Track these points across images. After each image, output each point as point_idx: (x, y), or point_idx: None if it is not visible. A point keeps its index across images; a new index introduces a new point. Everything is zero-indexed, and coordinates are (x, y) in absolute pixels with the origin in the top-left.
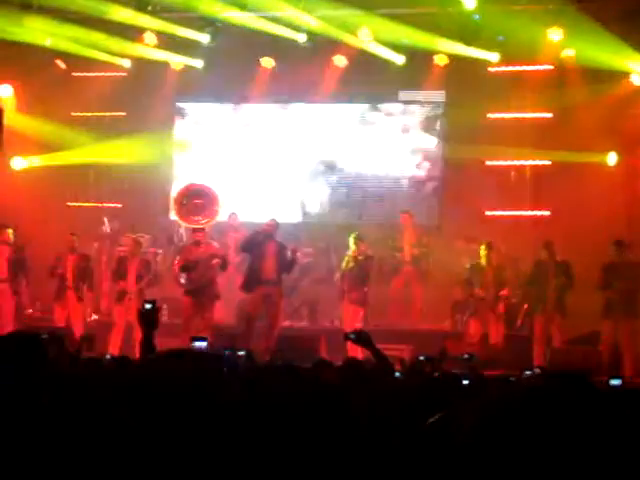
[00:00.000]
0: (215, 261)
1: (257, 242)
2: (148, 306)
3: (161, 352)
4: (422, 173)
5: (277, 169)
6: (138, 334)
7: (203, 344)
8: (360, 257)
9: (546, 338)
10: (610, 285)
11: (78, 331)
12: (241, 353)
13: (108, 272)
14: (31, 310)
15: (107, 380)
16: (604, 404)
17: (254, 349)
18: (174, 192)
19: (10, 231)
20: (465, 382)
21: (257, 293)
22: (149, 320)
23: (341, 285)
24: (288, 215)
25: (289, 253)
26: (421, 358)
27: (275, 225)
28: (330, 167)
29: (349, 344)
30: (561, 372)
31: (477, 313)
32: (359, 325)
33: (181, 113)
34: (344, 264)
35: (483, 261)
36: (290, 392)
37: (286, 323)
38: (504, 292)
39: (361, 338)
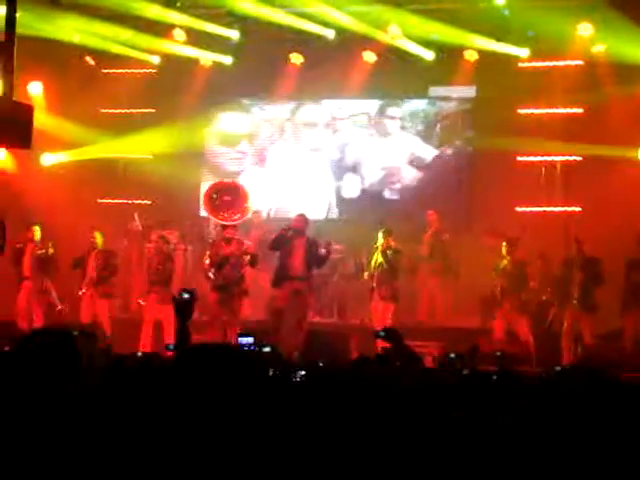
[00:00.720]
0: (247, 258)
1: (286, 239)
2: (186, 296)
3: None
4: (452, 169)
5: (307, 165)
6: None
7: (250, 339)
8: (389, 251)
9: (574, 334)
10: (631, 280)
11: (106, 327)
12: (266, 349)
13: (138, 268)
14: (60, 307)
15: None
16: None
17: (283, 345)
18: (204, 188)
19: (36, 228)
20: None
21: (286, 289)
22: (185, 309)
23: (370, 281)
24: (319, 211)
25: (321, 249)
26: (452, 355)
27: (304, 220)
28: (360, 163)
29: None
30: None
31: (501, 310)
32: (389, 321)
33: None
34: (372, 260)
35: (505, 258)
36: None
37: (316, 319)
38: (527, 289)
39: (391, 336)
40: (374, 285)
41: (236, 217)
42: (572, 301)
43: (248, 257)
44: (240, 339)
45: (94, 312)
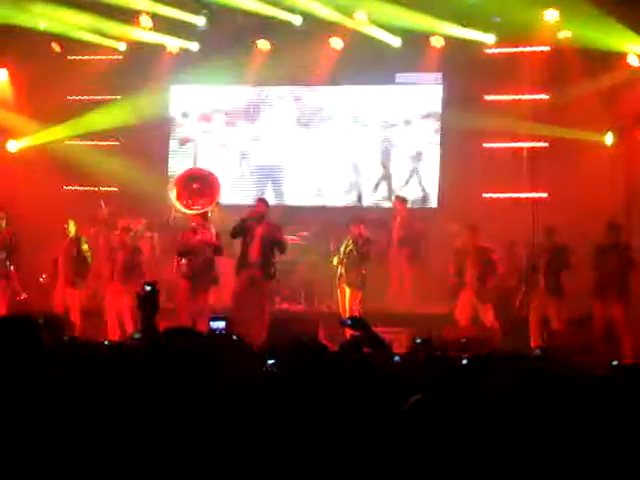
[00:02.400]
0: (209, 249)
1: (246, 226)
2: (148, 288)
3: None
4: (420, 156)
5: (274, 152)
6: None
7: (221, 324)
8: (359, 240)
9: (541, 320)
10: (600, 266)
11: (75, 317)
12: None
13: (105, 256)
14: (25, 295)
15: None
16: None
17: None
18: (174, 176)
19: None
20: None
21: (243, 276)
22: (149, 303)
23: (337, 267)
24: (286, 197)
25: (282, 234)
26: (417, 341)
27: (263, 206)
28: (327, 149)
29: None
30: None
31: (462, 296)
32: (357, 308)
33: (176, 96)
34: (343, 247)
35: (467, 244)
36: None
37: (283, 306)
38: (485, 274)
39: (357, 323)
40: (342, 272)
41: (197, 207)
42: (539, 287)
43: (211, 249)
44: (211, 323)
45: (65, 301)
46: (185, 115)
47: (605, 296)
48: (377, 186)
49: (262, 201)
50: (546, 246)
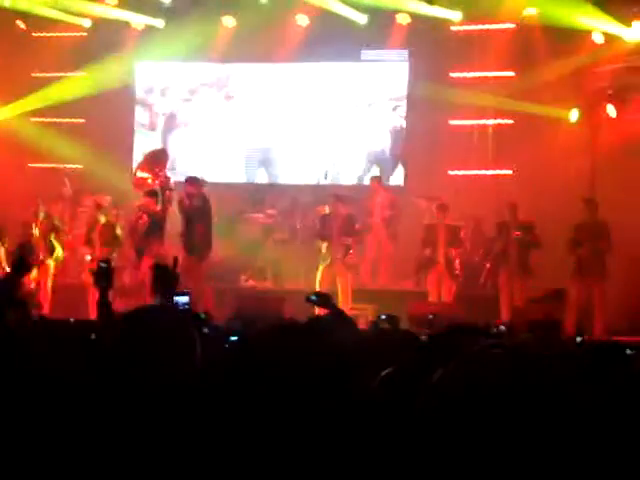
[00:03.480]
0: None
1: (186, 207)
2: (103, 265)
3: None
4: (386, 133)
5: (240, 129)
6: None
7: (185, 298)
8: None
9: (510, 296)
10: (580, 244)
11: (46, 295)
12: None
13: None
14: None
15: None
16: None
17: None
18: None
19: None
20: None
21: (192, 256)
22: (104, 280)
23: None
24: (253, 176)
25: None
26: (382, 317)
27: (194, 181)
28: (294, 126)
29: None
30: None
31: (431, 273)
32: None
33: (141, 73)
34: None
35: (436, 220)
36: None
37: (250, 283)
38: (456, 254)
39: (322, 299)
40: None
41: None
42: (507, 264)
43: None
44: (175, 298)
45: (37, 279)
46: (149, 91)
47: (585, 275)
48: (342, 164)
49: (190, 180)
50: (512, 223)
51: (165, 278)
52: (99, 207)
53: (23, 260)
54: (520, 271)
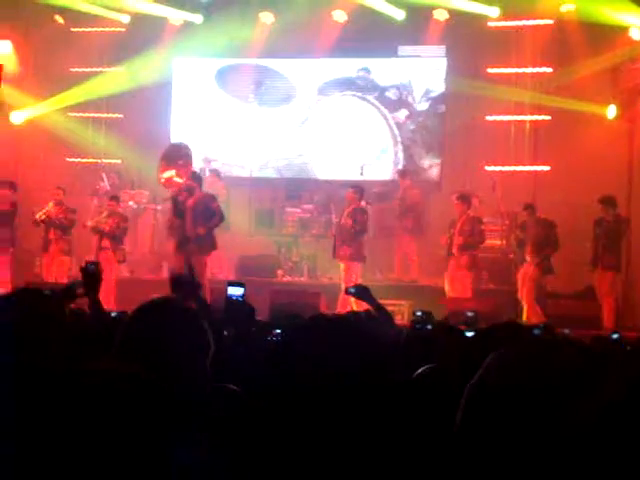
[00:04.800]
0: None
1: (180, 201)
2: (91, 267)
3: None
4: (423, 129)
5: (278, 125)
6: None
7: (240, 290)
8: (354, 210)
9: (532, 293)
10: (600, 240)
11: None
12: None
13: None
14: None
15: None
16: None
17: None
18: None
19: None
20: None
21: (183, 251)
22: (92, 281)
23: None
24: (289, 171)
25: (216, 203)
26: (418, 313)
27: (194, 177)
28: (330, 121)
29: (353, 300)
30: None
31: (448, 266)
32: (356, 280)
33: (179, 69)
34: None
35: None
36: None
37: (286, 279)
38: (478, 246)
39: (361, 292)
40: (337, 243)
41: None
42: (525, 262)
43: None
44: (229, 289)
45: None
46: (187, 86)
47: (604, 269)
48: (380, 159)
49: (192, 176)
50: (530, 221)
51: (90, 281)
52: (117, 200)
53: (94, 277)
54: (541, 269)
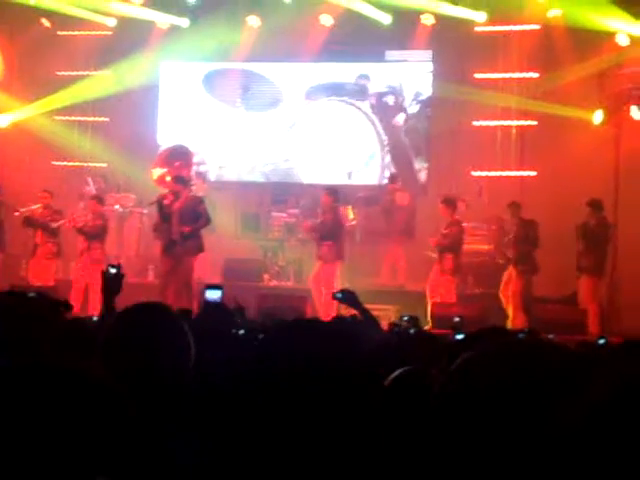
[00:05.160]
0: None
1: (165, 204)
2: (113, 270)
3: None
4: (409, 133)
5: (263, 129)
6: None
7: (217, 293)
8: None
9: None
10: (585, 246)
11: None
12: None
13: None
14: None
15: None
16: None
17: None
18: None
19: None
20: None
21: (170, 253)
22: (112, 285)
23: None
24: (274, 175)
25: (202, 206)
26: (404, 318)
27: (179, 180)
28: (317, 126)
29: (337, 304)
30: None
31: (432, 270)
32: (333, 285)
33: (166, 72)
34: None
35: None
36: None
37: (272, 283)
38: (461, 250)
39: (347, 297)
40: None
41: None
42: (510, 264)
43: None
44: (207, 292)
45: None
46: (174, 90)
47: (587, 275)
48: (366, 164)
49: (176, 179)
50: (514, 222)
51: (111, 284)
52: (99, 200)
53: (116, 280)
54: (522, 271)
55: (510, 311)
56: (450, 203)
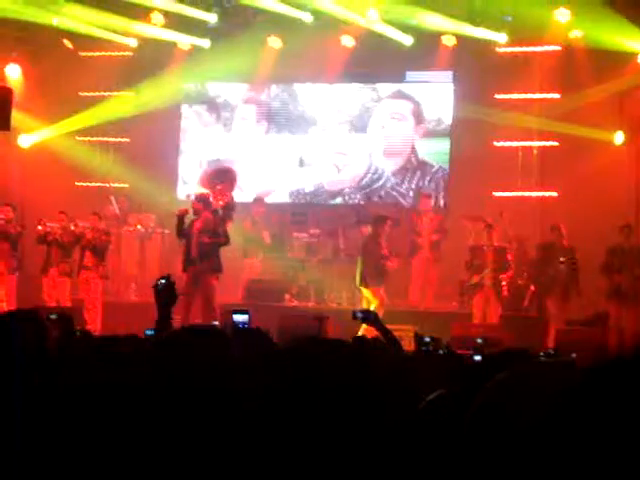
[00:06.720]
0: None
1: (184, 222)
2: (162, 281)
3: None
4: (431, 154)
5: (286, 149)
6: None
7: (245, 317)
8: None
9: (557, 320)
10: (619, 269)
11: (94, 311)
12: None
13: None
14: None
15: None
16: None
17: None
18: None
19: (8, 209)
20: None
21: (189, 272)
22: (164, 296)
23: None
24: (296, 196)
25: (221, 225)
26: (426, 339)
27: (199, 200)
28: (339, 146)
29: (360, 326)
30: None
31: (477, 295)
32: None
33: (188, 93)
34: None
35: (483, 242)
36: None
37: (293, 303)
38: (504, 277)
39: (368, 317)
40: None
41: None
42: (555, 288)
43: None
44: (234, 317)
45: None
46: (195, 111)
47: (622, 299)
48: (387, 183)
49: (198, 196)
50: (557, 246)
51: (164, 295)
52: (99, 218)
53: (169, 292)
54: (565, 295)
55: (550, 334)
56: (493, 229)
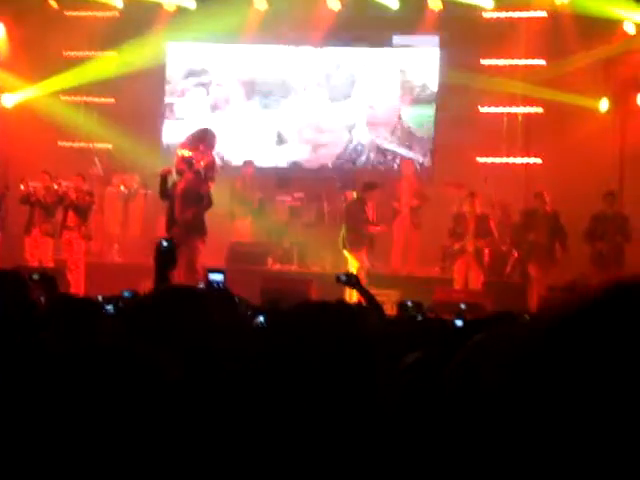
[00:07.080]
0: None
1: (167, 183)
2: (165, 244)
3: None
4: (416, 118)
5: (270, 112)
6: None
7: (220, 276)
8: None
9: (538, 286)
10: (601, 236)
11: (77, 272)
12: None
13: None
14: None
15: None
16: None
17: None
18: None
19: None
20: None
21: (172, 234)
22: (166, 259)
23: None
24: (280, 159)
25: (205, 187)
26: (408, 303)
27: (183, 160)
28: (323, 110)
29: (343, 289)
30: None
31: (459, 261)
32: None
33: (172, 54)
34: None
35: (466, 210)
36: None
37: (276, 267)
38: (484, 243)
39: (351, 280)
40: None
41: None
42: (537, 254)
43: None
44: (210, 275)
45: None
46: (179, 72)
47: (604, 267)
48: (372, 147)
49: (180, 157)
50: (540, 212)
51: (164, 258)
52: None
53: (169, 253)
54: (547, 261)
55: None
56: (476, 197)
